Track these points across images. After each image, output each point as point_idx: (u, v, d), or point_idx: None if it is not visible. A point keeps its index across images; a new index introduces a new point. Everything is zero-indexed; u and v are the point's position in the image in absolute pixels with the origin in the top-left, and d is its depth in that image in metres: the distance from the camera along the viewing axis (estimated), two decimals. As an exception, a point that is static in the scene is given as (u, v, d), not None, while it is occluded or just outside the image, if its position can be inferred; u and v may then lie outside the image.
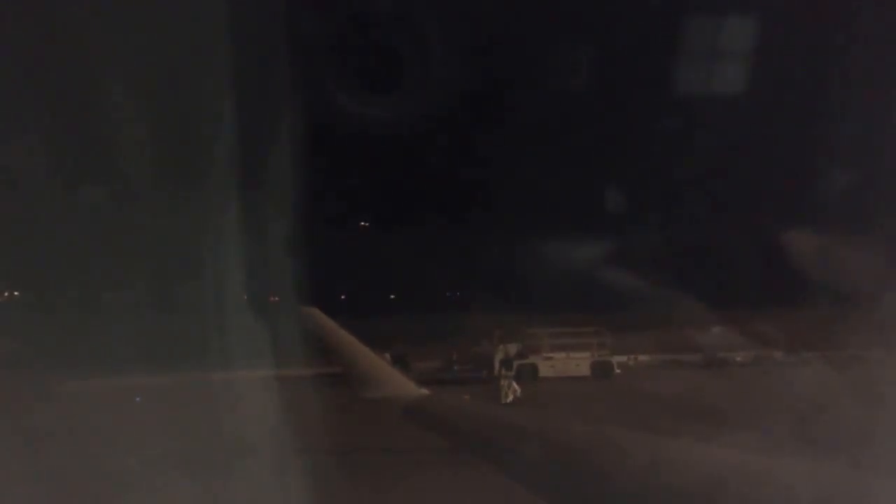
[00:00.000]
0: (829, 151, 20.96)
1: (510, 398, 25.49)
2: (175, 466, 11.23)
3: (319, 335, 9.36)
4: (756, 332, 29.95)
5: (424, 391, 8.35)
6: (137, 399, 22.08)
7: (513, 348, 34.35)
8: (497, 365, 33.84)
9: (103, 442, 14.08)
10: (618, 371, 33.52)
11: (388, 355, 15.27)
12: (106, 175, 18.65)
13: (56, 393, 20.94)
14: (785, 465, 3.33)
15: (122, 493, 10.49)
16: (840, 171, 20.61)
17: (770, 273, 24.08)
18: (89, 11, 15.37)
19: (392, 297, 54.22)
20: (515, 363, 33.86)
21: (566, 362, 33.93)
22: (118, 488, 10.69)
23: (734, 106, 20.23)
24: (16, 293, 34.74)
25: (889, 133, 15.36)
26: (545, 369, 33.77)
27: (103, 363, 21.07)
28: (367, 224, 45.50)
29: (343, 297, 45.34)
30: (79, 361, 20.14)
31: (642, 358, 36.53)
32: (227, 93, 14.55)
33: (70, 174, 18.46)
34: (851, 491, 2.99)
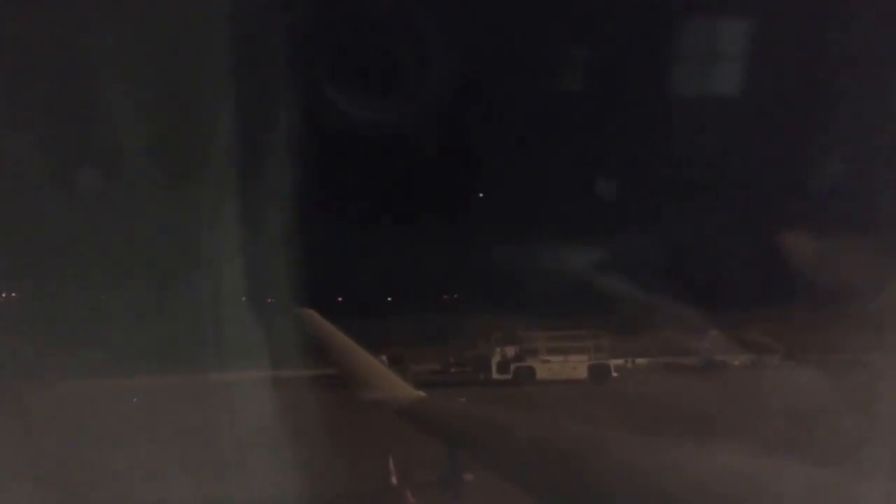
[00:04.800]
0: (829, 153, 21.00)
1: None
2: (169, 466, 11.22)
3: (316, 337, 9.36)
4: (754, 335, 29.98)
5: (420, 393, 8.36)
6: (135, 399, 22.12)
7: (510, 351, 34.36)
8: (494, 367, 33.89)
9: (99, 441, 14.05)
10: (615, 374, 33.50)
11: (384, 357, 15.24)
12: (104, 176, 18.64)
13: (53, 393, 20.91)
14: (777, 469, 3.33)
15: (115, 492, 10.48)
16: (839, 173, 20.65)
17: (768, 276, 24.11)
18: (92, 8, 15.38)
19: (389, 299, 54.20)
20: (513, 366, 33.91)
21: (563, 365, 33.91)
22: (111, 488, 10.68)
23: (731, 107, 20.26)
24: (13, 294, 34.71)
25: (889, 134, 15.40)
26: (542, 372, 33.75)
27: (100, 364, 21.05)
28: (365, 225, 45.48)
29: (340, 298, 45.30)
30: (76, 362, 20.11)
31: (640, 361, 36.56)
32: (225, 96, 14.56)
33: (68, 178, 18.47)
34: (841, 493, 2.98)
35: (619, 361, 34.61)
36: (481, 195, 45.02)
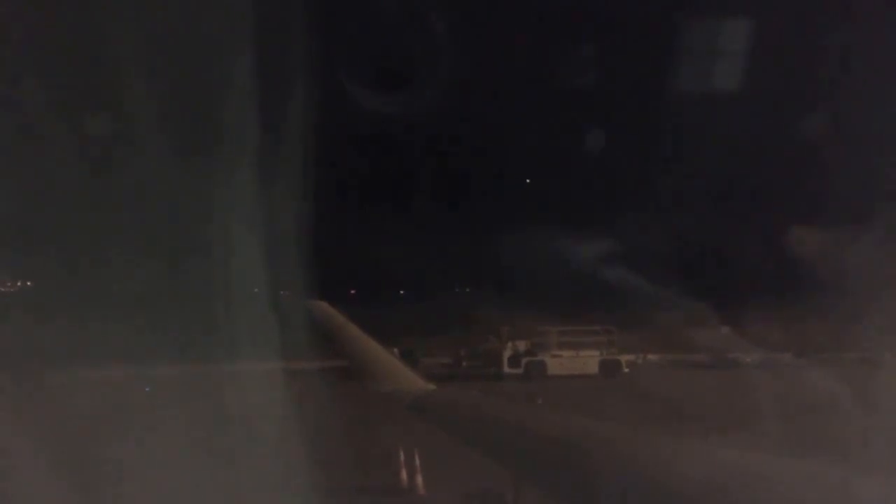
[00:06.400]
0: (838, 149, 20.84)
1: None
2: (183, 455, 11.31)
3: (328, 328, 9.39)
4: (766, 332, 29.83)
5: (431, 386, 8.37)
6: (147, 389, 22.27)
7: (522, 345, 34.34)
8: (506, 361, 33.88)
9: (112, 431, 14.17)
10: (626, 370, 33.47)
11: (396, 350, 15.33)
12: (113, 163, 18.70)
13: (64, 383, 21.11)
14: (783, 465, 3.32)
15: (128, 482, 10.58)
16: (850, 170, 20.49)
17: (781, 273, 23.99)
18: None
19: (402, 292, 54.34)
20: (524, 360, 33.89)
21: (575, 360, 33.89)
22: (124, 478, 10.78)
23: (742, 103, 20.14)
24: (29, 283, 34.97)
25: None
26: (554, 367, 33.74)
27: (111, 353, 21.19)
28: (378, 218, 45.58)
29: (353, 291, 45.46)
30: (86, 351, 20.26)
31: (651, 357, 36.52)
32: (236, 86, 14.59)
33: (76, 168, 18.54)
34: (848, 491, 2.98)
35: (630, 357, 34.57)
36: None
